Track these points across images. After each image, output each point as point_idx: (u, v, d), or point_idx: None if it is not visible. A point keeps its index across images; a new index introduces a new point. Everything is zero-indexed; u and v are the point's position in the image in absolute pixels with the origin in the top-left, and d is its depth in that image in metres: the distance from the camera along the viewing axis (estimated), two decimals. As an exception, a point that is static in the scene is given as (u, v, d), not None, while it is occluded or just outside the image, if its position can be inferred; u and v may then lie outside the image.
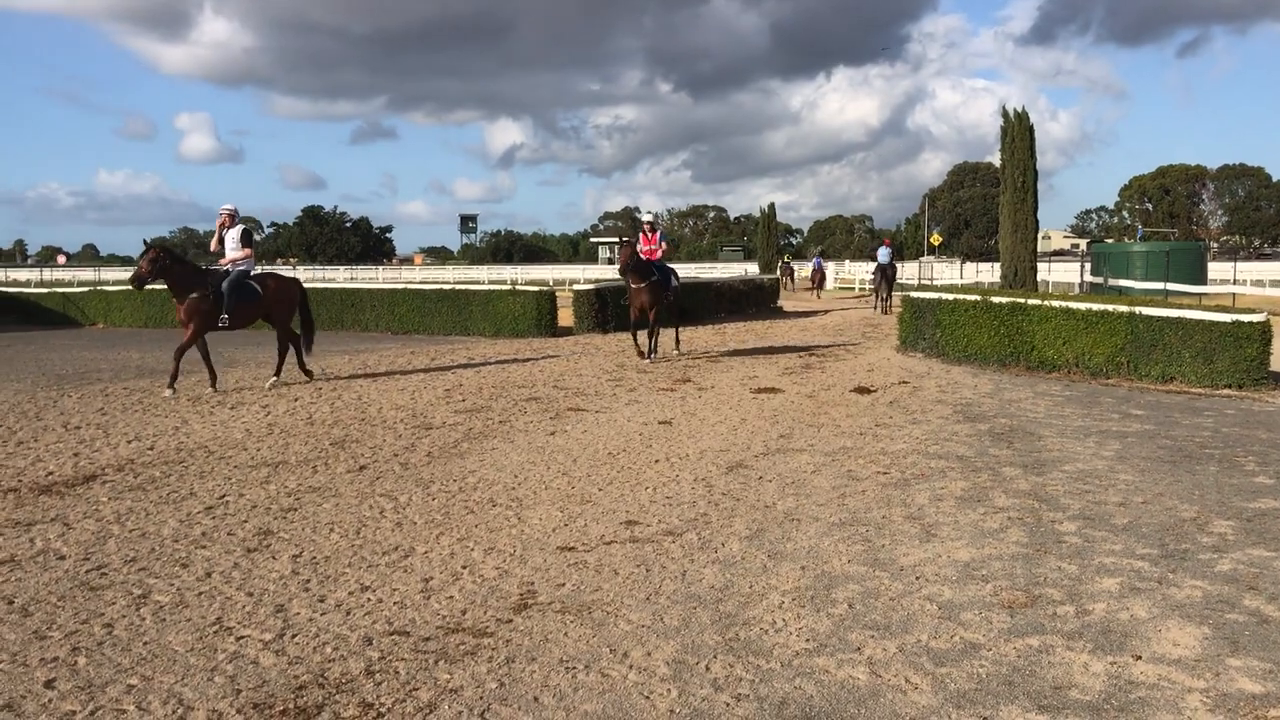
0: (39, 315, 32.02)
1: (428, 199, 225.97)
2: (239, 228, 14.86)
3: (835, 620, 5.35)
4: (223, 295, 14.17)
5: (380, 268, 75.48)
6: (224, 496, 8.12)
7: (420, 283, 32.38)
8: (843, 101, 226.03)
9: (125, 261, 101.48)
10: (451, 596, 5.76)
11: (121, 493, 8.29)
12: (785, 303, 38.16)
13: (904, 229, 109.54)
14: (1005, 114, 27.16)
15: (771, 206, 55.62)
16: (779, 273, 47.76)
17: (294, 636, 5.16)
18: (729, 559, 6.41)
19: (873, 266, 38.49)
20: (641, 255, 17.87)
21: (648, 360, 17.85)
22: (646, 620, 5.36)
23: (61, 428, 11.41)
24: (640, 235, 18.32)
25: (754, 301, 34.43)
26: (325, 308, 28.13)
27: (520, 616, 5.42)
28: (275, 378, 15.14)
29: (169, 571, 6.21)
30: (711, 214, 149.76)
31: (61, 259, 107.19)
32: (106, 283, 43.61)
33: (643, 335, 18.37)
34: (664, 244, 18.35)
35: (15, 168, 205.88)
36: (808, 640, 5.08)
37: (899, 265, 41.08)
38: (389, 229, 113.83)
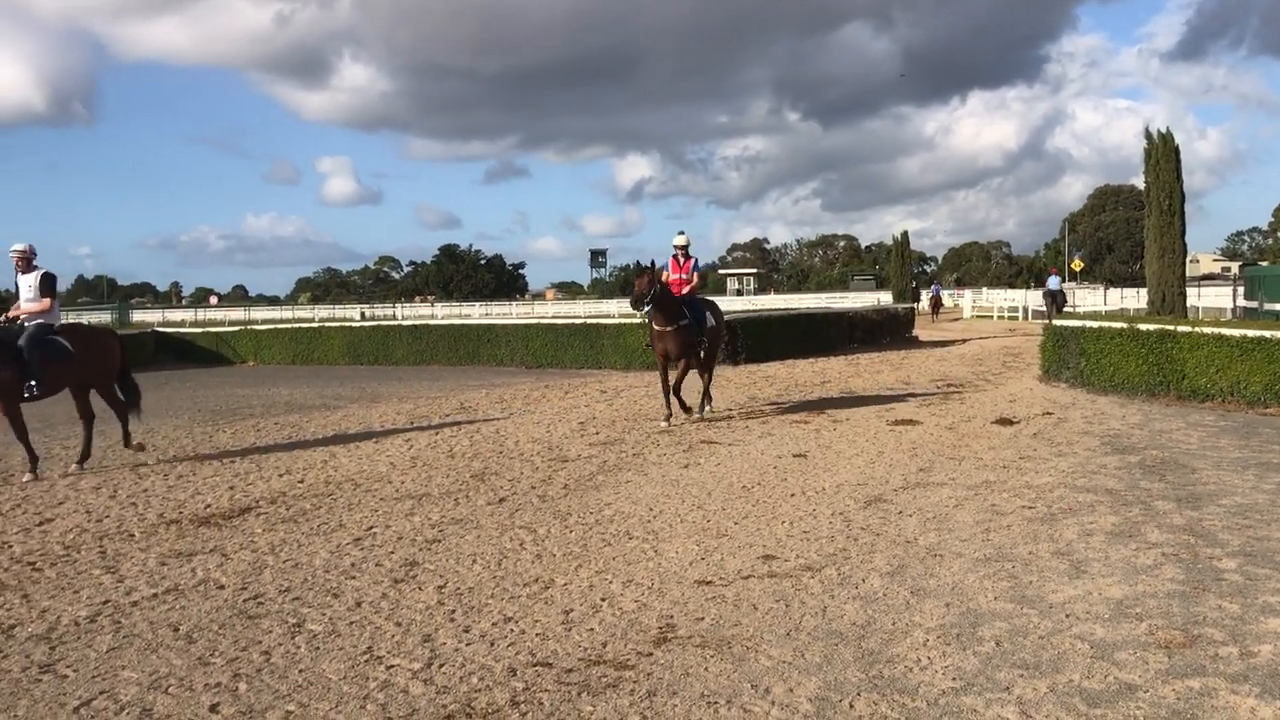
0: (194, 354, 33.59)
1: (558, 235, 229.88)
2: (36, 273, 11.56)
3: (982, 658, 5.21)
4: (23, 358, 11.04)
5: (513, 303, 77.07)
6: (371, 528, 8.38)
7: (552, 317, 32.92)
8: (978, 126, 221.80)
9: (273, 301, 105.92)
10: (592, 629, 5.82)
11: (275, 524, 8.63)
12: (921, 332, 37.49)
13: (1043, 254, 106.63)
14: (1149, 135, 26.30)
15: (905, 234, 54.99)
16: (919, 300, 48.01)
17: (441, 666, 5.28)
18: (870, 595, 6.31)
19: (1041, 293, 44.44)
20: (668, 286, 14.26)
21: (665, 424, 13.98)
22: (787, 656, 5.31)
23: (217, 461, 11.94)
24: (670, 261, 14.70)
25: (888, 331, 33.95)
26: (462, 343, 28.85)
27: (660, 650, 5.44)
28: (126, 447, 12.41)
29: (321, 601, 6.43)
30: (842, 243, 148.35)
31: (214, 299, 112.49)
32: (255, 322, 45.52)
33: (679, 390, 14.63)
34: (696, 275, 14.70)
35: (171, 213, 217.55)
36: (954, 679, 4.96)
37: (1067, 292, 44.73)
38: (522, 265, 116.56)
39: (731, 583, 6.64)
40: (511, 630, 5.82)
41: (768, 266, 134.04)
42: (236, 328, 38.06)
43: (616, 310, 57.05)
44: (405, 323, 35.19)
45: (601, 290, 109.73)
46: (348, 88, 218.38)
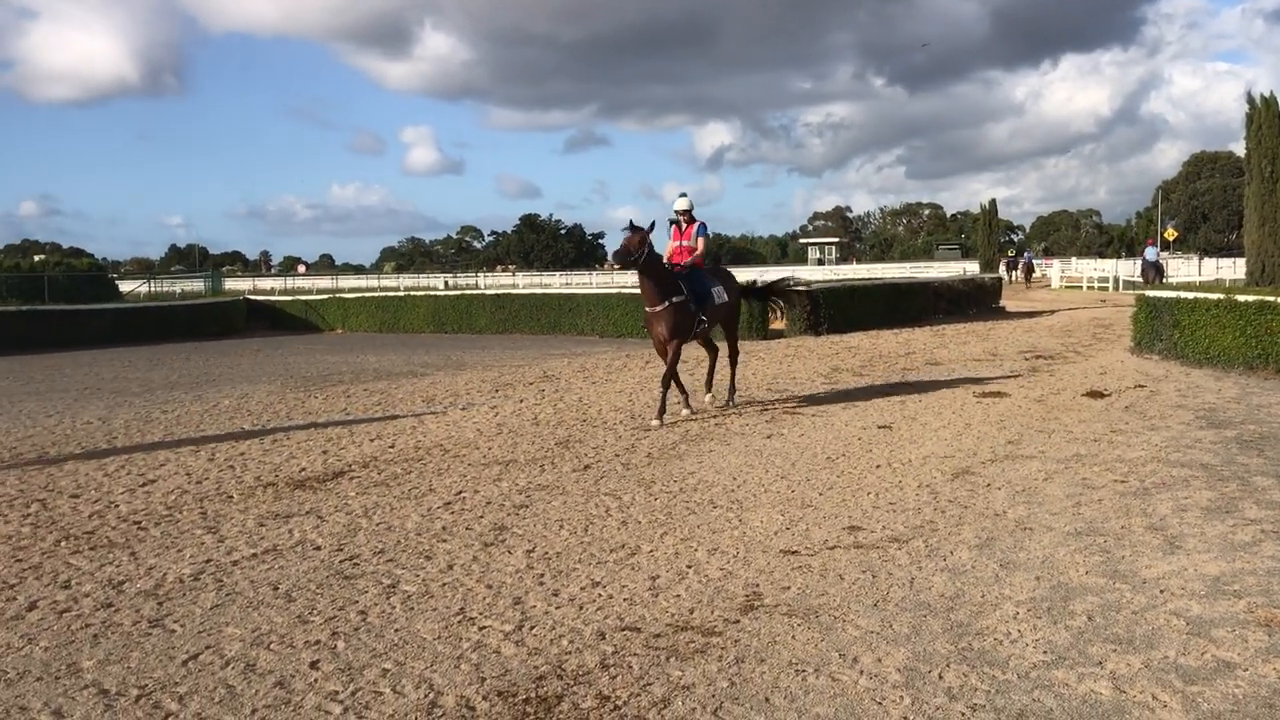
0: (284, 321, 34.35)
1: (638, 204, 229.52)
2: None
3: (1074, 633, 5.16)
4: None
5: (593, 273, 77.28)
6: (461, 493, 8.54)
7: (633, 287, 32.88)
8: (1070, 90, 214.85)
9: (358, 270, 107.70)
10: (678, 595, 5.88)
11: (368, 488, 8.84)
12: (1008, 302, 36.81)
13: (1135, 223, 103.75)
14: (1250, 99, 25.34)
15: (992, 202, 53.71)
16: (1005, 268, 47.32)
17: (532, 628, 5.39)
18: (958, 567, 6.27)
19: (1138, 263, 45.10)
20: (665, 256, 12.30)
21: (656, 423, 11.71)
22: (875, 626, 5.31)
23: (310, 427, 12.24)
24: (672, 228, 12.61)
25: (974, 301, 33.40)
26: (544, 312, 29.08)
27: (747, 617, 5.48)
28: None
29: (414, 563, 6.58)
30: (926, 211, 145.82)
31: (301, 268, 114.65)
32: (343, 290, 46.32)
33: (674, 377, 12.26)
34: (701, 240, 12.44)
35: (260, 183, 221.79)
36: (1045, 652, 4.92)
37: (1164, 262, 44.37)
38: (601, 235, 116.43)
39: (817, 553, 6.65)
40: (599, 595, 5.90)
41: (850, 235, 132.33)
42: (324, 296, 38.82)
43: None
44: (488, 292, 35.56)
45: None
46: (429, 57, 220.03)
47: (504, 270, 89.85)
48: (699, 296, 12.06)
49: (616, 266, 12.10)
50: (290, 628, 5.46)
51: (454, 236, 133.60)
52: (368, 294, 38.66)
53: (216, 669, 4.90)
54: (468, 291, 35.78)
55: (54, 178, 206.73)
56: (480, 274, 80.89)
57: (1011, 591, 5.80)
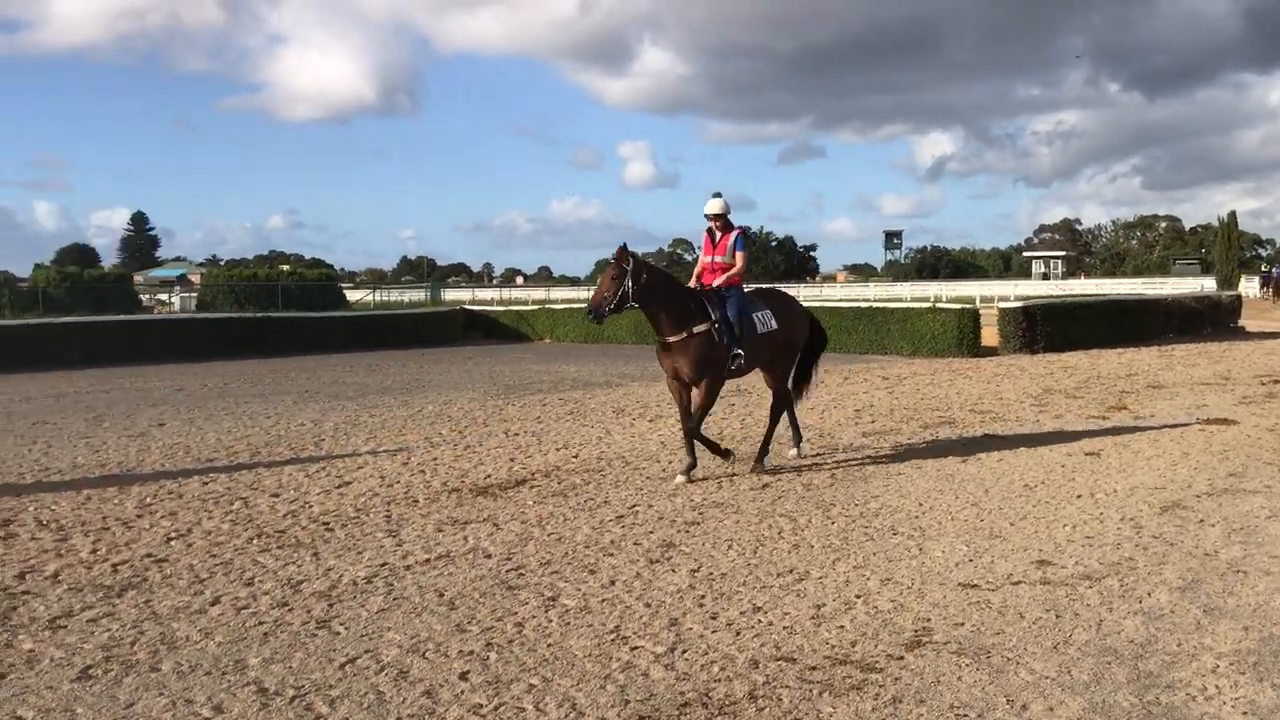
0: (498, 330, 35.50)
1: (852, 216, 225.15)
2: None
3: (1283, 695, 4.60)
4: None
5: (802, 286, 76.55)
6: (634, 506, 8.48)
7: (838, 300, 32.37)
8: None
9: (573, 282, 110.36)
10: (842, 626, 5.61)
11: (546, 497, 8.91)
12: (1250, 322, 34.12)
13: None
14: None
15: (1232, 215, 50.29)
16: (1260, 284, 44.29)
17: (684, 652, 5.24)
18: (1155, 611, 5.74)
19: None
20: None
21: (680, 479, 9.42)
22: (1051, 671, 4.90)
23: (503, 434, 12.50)
24: (704, 239, 10.16)
25: (1209, 320, 31.13)
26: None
27: (912, 654, 5.16)
28: None
29: (578, 577, 6.55)
30: (1163, 224, 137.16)
31: (520, 279, 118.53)
32: (554, 301, 47.52)
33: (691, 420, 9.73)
34: (739, 255, 9.93)
35: (486, 199, 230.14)
36: (1245, 713, 4.41)
37: None
38: (813, 247, 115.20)
39: (999, 588, 6.23)
40: (759, 621, 5.70)
41: (1078, 249, 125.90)
42: (535, 306, 39.92)
43: (909, 293, 55.48)
44: (693, 304, 35.64)
45: (895, 272, 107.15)
46: (648, 72, 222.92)
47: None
48: (730, 324, 9.57)
49: (597, 323, 10.00)
50: (447, 636, 5.50)
51: (666, 249, 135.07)
52: (576, 305, 39.50)
53: (371, 674, 4.98)
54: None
55: (298, 193, 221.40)
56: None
57: (1213, 642, 5.25)
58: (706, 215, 10.00)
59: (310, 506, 8.67)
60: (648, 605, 5.98)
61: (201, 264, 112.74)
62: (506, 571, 6.68)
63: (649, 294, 9.36)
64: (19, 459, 11.29)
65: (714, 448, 9.83)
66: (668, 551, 7.11)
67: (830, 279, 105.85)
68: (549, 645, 5.35)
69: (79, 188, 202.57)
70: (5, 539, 7.68)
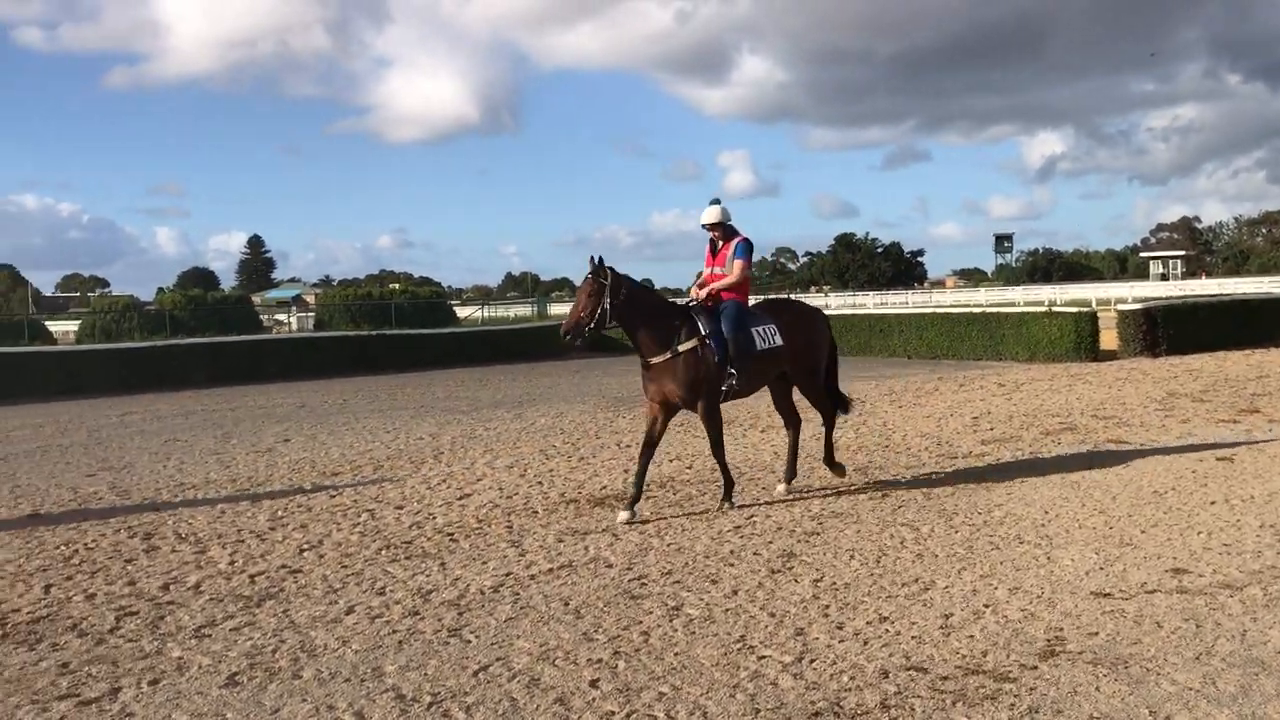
0: (603, 343, 35.61)
1: (959, 220, 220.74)
2: None
3: None
4: None
5: (910, 292, 75.47)
6: (752, 517, 8.48)
7: (949, 306, 31.87)
8: None
9: (675, 294, 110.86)
10: (972, 636, 5.53)
11: (662, 508, 8.96)
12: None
13: None
14: None
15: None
16: None
17: (812, 661, 5.22)
18: (1302, 621, 5.52)
19: None
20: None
21: (625, 515, 8.47)
22: (1195, 683, 4.76)
23: (615, 446, 12.60)
24: (707, 249, 9.31)
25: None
26: (853, 333, 28.64)
27: (1046, 664, 5.06)
28: None
29: (700, 586, 6.58)
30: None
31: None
32: (659, 313, 47.56)
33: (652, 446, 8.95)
34: (738, 263, 9.03)
35: (586, 213, 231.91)
36: None
37: None
38: (920, 253, 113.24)
39: (1133, 596, 6.07)
40: (886, 630, 5.65)
41: (1198, 248, 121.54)
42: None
43: (1021, 298, 54.25)
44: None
45: (1006, 276, 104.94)
46: (747, 81, 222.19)
47: (817, 291, 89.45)
48: (721, 339, 8.69)
49: (576, 343, 9.10)
50: (576, 644, 5.58)
51: (768, 258, 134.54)
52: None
53: (504, 681, 5.08)
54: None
55: (405, 212, 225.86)
56: (793, 295, 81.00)
57: (1369, 654, 5.04)
58: (704, 225, 9.20)
59: (434, 518, 8.87)
60: (772, 615, 5.97)
61: (315, 284, 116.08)
62: (629, 581, 6.74)
63: (630, 311, 8.64)
64: (155, 475, 11.78)
65: (728, 483, 9.02)
66: (789, 561, 7.09)
67: (939, 284, 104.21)
68: (676, 654, 5.39)
69: (197, 213, 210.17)
70: (148, 551, 8.02)
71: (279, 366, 27.60)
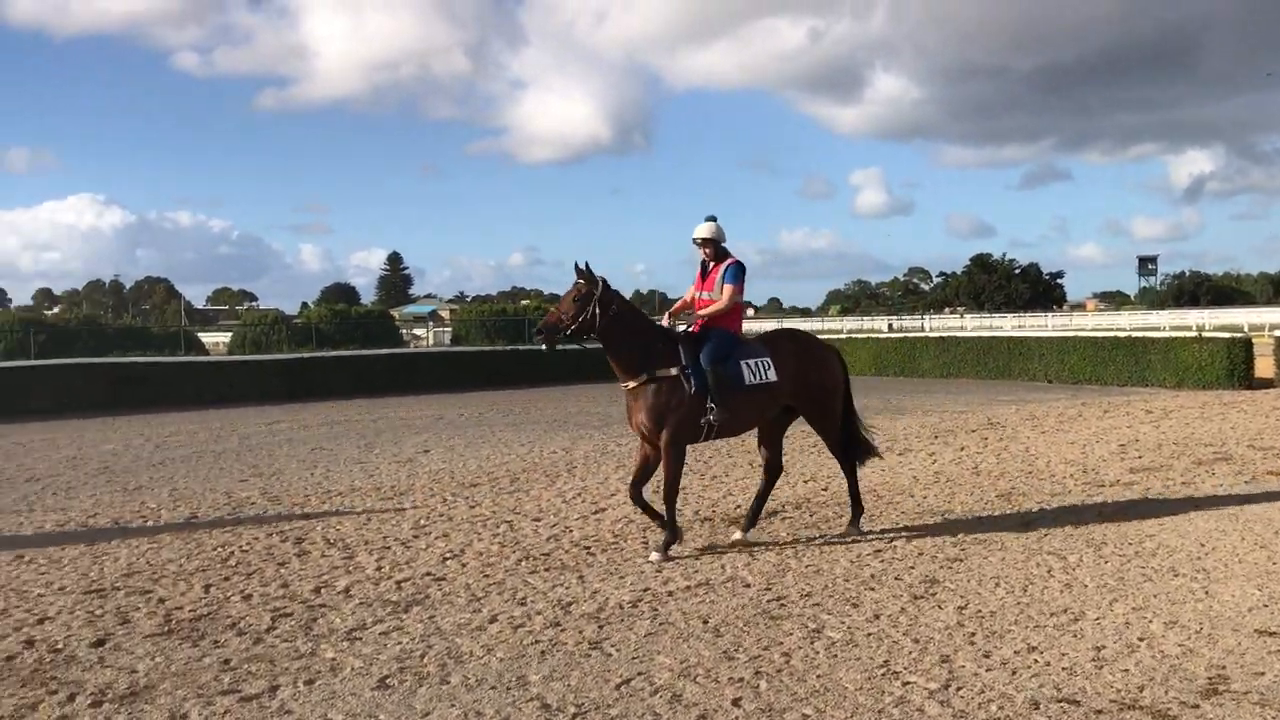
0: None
1: (1101, 241, 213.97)
2: None
3: None
4: None
5: (1049, 315, 73.26)
6: (892, 541, 8.35)
7: (1091, 329, 30.89)
8: None
9: (803, 313, 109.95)
10: (1126, 670, 5.34)
11: (798, 529, 8.91)
12: None
13: None
14: None
15: None
16: None
17: (959, 689, 5.12)
18: None
19: None
20: (628, 304, 8.44)
21: (657, 556, 7.91)
22: (1374, 731, 4.51)
23: (747, 465, 12.56)
24: (697, 269, 8.60)
25: None
26: (991, 356, 27.99)
27: (1208, 703, 4.86)
28: None
29: (840, 609, 6.51)
30: None
31: (750, 311, 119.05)
32: (789, 332, 47.31)
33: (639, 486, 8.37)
34: (727, 287, 8.31)
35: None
36: None
37: None
38: (1059, 274, 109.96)
39: (1302, 637, 5.77)
40: (1035, 661, 5.50)
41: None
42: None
43: (1167, 322, 52.18)
44: (932, 335, 34.82)
45: (1150, 300, 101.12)
46: (880, 99, 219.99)
47: (952, 312, 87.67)
48: (699, 369, 8.01)
49: (547, 346, 8.38)
50: (716, 662, 5.58)
51: (901, 279, 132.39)
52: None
53: (645, 695, 5.11)
54: (911, 334, 35.26)
55: (537, 231, 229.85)
56: (926, 316, 79.54)
57: None
58: (695, 240, 8.47)
59: (571, 531, 8.99)
60: (916, 641, 5.88)
61: (450, 300, 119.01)
62: (767, 601, 6.72)
63: (616, 329, 8.06)
64: (303, 481, 12.22)
65: (672, 531, 8.11)
66: (931, 587, 6.96)
67: (1078, 307, 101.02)
68: (818, 676, 5.34)
69: (339, 230, 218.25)
70: (299, 555, 8.33)
71: (418, 379, 28.36)
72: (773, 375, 8.27)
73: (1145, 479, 10.93)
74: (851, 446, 8.98)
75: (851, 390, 9.15)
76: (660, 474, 8.20)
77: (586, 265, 8.11)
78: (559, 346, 8.45)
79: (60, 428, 19.64)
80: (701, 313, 8.34)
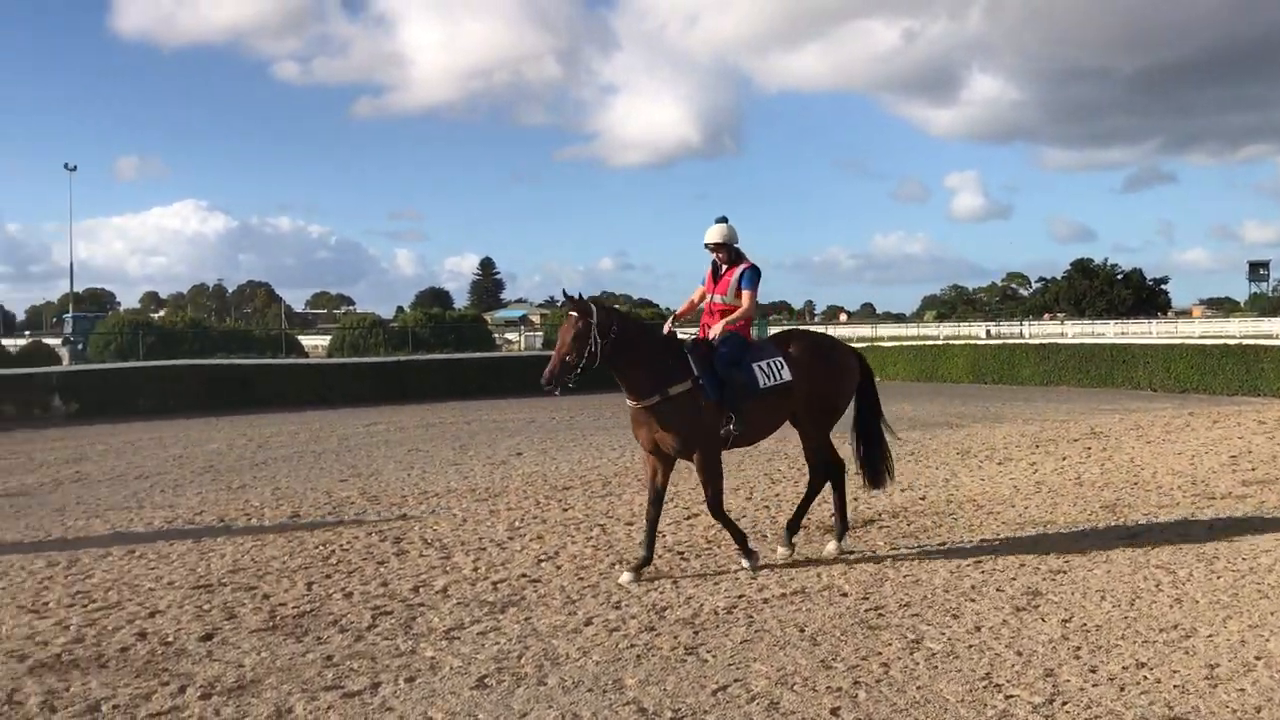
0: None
1: (1209, 246, 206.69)
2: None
3: None
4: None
5: (1153, 321, 71.14)
6: (992, 551, 8.19)
7: (1199, 337, 29.98)
8: None
9: (898, 319, 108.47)
10: (1242, 689, 5.15)
11: (896, 539, 8.78)
12: None
13: None
14: None
15: None
16: None
17: (1064, 704, 4.99)
18: None
19: None
20: (630, 319, 8.06)
21: (629, 576, 7.50)
22: None
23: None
24: (706, 275, 8.34)
25: None
26: (1093, 364, 27.32)
27: (1332, 727, 4.66)
28: None
29: (940, 620, 6.39)
30: None
31: (843, 316, 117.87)
32: (881, 339, 46.86)
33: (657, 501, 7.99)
34: (746, 294, 8.08)
35: (807, 235, 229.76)
36: None
37: None
38: (1164, 280, 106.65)
39: None
40: (1144, 677, 5.34)
41: None
42: (863, 344, 39.46)
43: (1279, 329, 50.32)
44: (1032, 341, 34.12)
45: (1262, 306, 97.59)
46: (977, 100, 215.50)
47: (1051, 318, 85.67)
48: (727, 382, 7.74)
49: (556, 392, 7.70)
50: (814, 671, 5.53)
51: (999, 284, 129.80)
52: (905, 342, 38.79)
53: (742, 702, 5.08)
54: (1010, 341, 34.58)
55: (625, 235, 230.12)
56: (1025, 322, 77.88)
57: None
58: (707, 245, 8.20)
59: (664, 536, 8.97)
60: (1018, 654, 5.75)
61: (540, 305, 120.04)
62: (865, 611, 6.63)
63: (623, 351, 7.62)
64: (401, 482, 12.42)
65: (739, 538, 7.99)
66: (1034, 599, 6.80)
67: (1185, 314, 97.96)
68: (918, 688, 5.25)
69: (433, 236, 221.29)
70: (398, 554, 8.47)
71: (509, 383, 28.66)
72: (787, 375, 8.03)
73: (1259, 492, 10.53)
74: (871, 464, 8.74)
75: (879, 398, 8.89)
76: (701, 491, 8.06)
77: (579, 294, 7.72)
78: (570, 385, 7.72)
79: (166, 427, 20.30)
80: (725, 321, 7.99)
